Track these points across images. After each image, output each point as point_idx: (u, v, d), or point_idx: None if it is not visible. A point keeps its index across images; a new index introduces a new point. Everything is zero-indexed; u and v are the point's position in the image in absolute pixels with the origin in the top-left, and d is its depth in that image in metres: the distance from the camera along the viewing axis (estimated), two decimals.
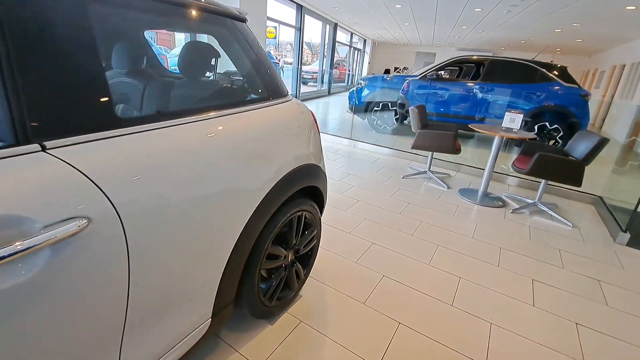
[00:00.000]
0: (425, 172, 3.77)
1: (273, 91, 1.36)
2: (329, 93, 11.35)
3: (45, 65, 0.66)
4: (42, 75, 0.66)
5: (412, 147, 3.54)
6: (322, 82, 11.99)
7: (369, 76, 6.29)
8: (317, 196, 1.68)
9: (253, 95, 1.33)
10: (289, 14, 7.93)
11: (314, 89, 12.10)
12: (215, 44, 1.31)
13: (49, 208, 0.62)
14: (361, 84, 5.97)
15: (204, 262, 1.00)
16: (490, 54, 5.70)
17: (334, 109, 8.98)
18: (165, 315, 0.92)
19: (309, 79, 14.10)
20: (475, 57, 5.55)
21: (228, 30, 1.25)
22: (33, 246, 0.58)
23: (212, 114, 1.05)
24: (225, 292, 1.14)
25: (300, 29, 8.01)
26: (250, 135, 1.13)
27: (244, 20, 1.32)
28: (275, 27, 11.59)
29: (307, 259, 1.72)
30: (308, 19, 8.59)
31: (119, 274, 0.76)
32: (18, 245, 0.57)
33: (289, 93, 1.50)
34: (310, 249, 1.71)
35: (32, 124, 0.64)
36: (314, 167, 1.50)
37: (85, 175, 0.68)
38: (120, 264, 0.75)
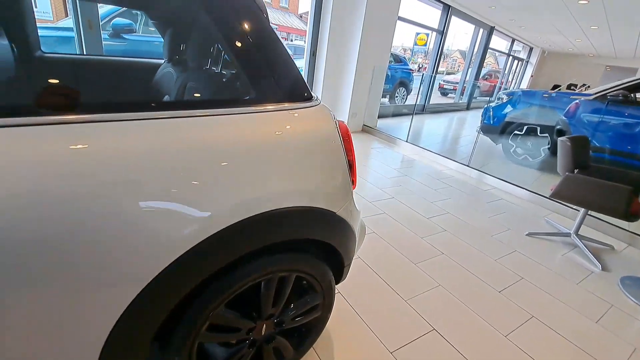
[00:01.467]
0: (568, 234, 2.58)
1: (263, 92, 0.91)
2: (468, 107, 9.84)
3: None
4: None
5: (552, 196, 2.45)
6: (463, 94, 10.54)
7: (517, 90, 4.98)
8: (333, 254, 1.15)
9: (220, 96, 0.91)
10: (433, 16, 7.10)
11: (451, 101, 10.78)
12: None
13: None
14: (502, 99, 4.74)
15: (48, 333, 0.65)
16: None
17: (464, 127, 7.69)
18: None
19: (451, 89, 12.71)
20: None
21: None
22: None
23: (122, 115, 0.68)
24: None
25: (442, 33, 7.08)
26: (173, 152, 0.71)
27: None
28: (427, 35, 10.84)
29: (301, 335, 1.20)
30: (456, 21, 7.54)
31: None
32: None
33: (310, 97, 1.01)
34: (309, 324, 1.19)
35: None
36: (321, 213, 0.98)
37: None
38: None
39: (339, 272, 1.22)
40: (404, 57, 8.59)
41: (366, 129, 5.25)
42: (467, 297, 1.78)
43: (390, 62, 8.06)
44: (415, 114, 7.53)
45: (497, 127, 4.69)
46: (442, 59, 7.64)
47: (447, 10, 6.84)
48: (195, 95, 1.11)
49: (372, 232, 2.29)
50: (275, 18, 21.16)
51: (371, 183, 3.21)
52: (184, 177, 0.71)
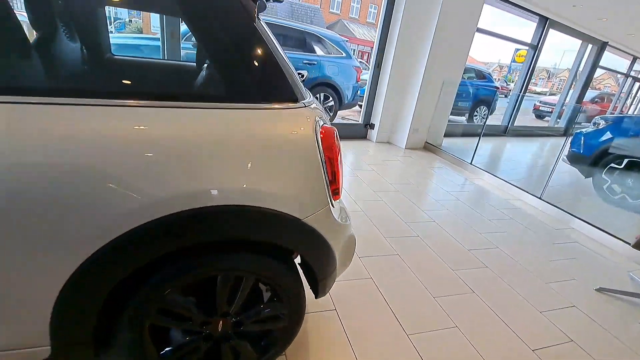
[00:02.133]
0: None
1: (233, 90, 0.91)
2: (565, 134, 8.50)
3: None
4: None
5: (635, 246, 1.96)
6: (561, 117, 9.20)
7: (620, 115, 4.17)
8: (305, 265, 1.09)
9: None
10: (528, 29, 6.37)
11: (546, 124, 9.51)
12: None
13: None
14: (598, 124, 4.00)
15: None
16: None
17: (553, 155, 6.65)
18: None
19: (548, 112, 11.26)
20: None
21: None
22: None
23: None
24: (66, 326, 0.85)
25: (536, 48, 6.29)
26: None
27: None
28: (527, 50, 9.84)
29: (265, 343, 1.16)
30: (558, 36, 6.66)
31: None
32: None
33: (295, 100, 0.98)
34: (274, 333, 1.15)
35: None
36: (274, 216, 0.93)
37: None
38: None
39: (315, 286, 1.15)
40: (489, 74, 7.90)
41: (428, 147, 4.93)
42: (486, 347, 1.51)
43: (471, 77, 7.49)
44: (495, 135, 6.82)
45: (589, 157, 3.96)
46: (546, 78, 6.80)
47: (544, 22, 6.10)
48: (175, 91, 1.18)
49: (395, 254, 2.12)
50: (361, 33, 21.50)
51: (413, 202, 2.98)
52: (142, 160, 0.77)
